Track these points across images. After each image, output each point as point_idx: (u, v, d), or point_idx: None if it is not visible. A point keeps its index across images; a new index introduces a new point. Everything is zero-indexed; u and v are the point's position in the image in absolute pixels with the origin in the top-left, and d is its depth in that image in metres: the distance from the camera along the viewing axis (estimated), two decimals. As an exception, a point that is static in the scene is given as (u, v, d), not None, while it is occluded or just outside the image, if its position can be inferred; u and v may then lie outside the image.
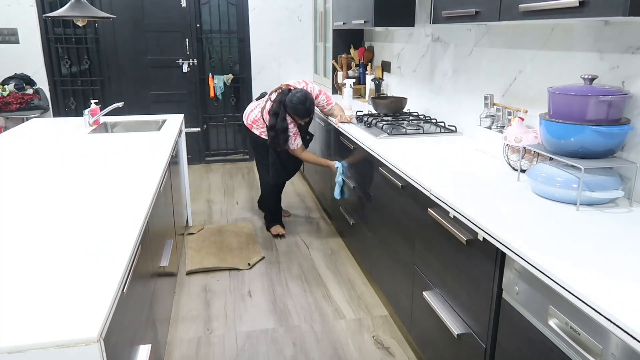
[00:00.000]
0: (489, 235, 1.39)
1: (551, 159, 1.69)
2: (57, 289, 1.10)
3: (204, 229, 3.55)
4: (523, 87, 2.15)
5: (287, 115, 3.09)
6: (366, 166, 2.61)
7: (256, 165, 3.55)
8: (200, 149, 5.37)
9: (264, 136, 3.25)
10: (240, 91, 5.35)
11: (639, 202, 1.59)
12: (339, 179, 3.05)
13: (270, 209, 3.54)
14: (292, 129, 3.15)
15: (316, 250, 3.25)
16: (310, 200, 4.23)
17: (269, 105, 3.18)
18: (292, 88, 3.14)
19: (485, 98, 2.33)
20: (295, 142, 3.19)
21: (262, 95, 3.37)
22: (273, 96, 3.19)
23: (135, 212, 1.58)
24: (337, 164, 3.08)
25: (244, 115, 3.41)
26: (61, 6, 3.37)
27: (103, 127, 3.22)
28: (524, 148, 1.83)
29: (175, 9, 4.92)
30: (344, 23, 3.63)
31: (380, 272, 2.51)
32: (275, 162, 3.30)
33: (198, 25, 5.02)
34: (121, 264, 1.23)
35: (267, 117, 3.17)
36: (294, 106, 3.04)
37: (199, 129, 5.29)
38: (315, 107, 3.22)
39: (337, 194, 3.08)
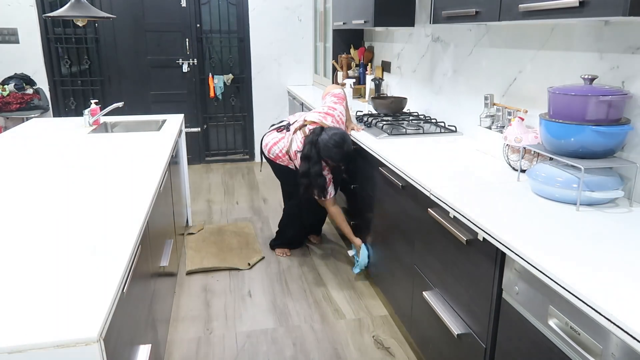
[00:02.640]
0: (489, 235, 1.39)
1: (551, 159, 1.69)
2: (57, 289, 1.10)
3: (204, 229, 3.55)
4: (523, 87, 2.15)
5: (320, 159, 2.66)
6: (366, 166, 2.61)
7: (281, 186, 3.24)
8: (200, 149, 5.37)
9: (292, 166, 2.85)
10: (240, 91, 5.35)
11: (639, 202, 1.59)
12: (363, 261, 2.72)
13: (282, 228, 3.17)
14: (327, 174, 2.72)
15: (316, 250, 3.25)
16: (310, 200, 4.23)
17: (295, 145, 2.73)
18: (320, 125, 2.70)
19: (485, 98, 2.33)
20: (328, 190, 2.76)
21: (281, 126, 2.91)
22: (298, 135, 2.74)
23: (135, 212, 1.57)
24: (363, 248, 2.72)
25: (262, 142, 2.95)
26: (61, 6, 3.37)
27: (103, 127, 3.22)
28: (524, 148, 1.83)
29: (175, 9, 4.92)
30: (344, 23, 3.63)
31: (380, 272, 2.51)
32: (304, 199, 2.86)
33: (198, 25, 5.01)
34: (121, 264, 1.23)
35: (294, 157, 2.76)
36: (329, 150, 2.59)
37: (199, 129, 5.29)
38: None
39: (356, 270, 2.83)
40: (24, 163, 2.19)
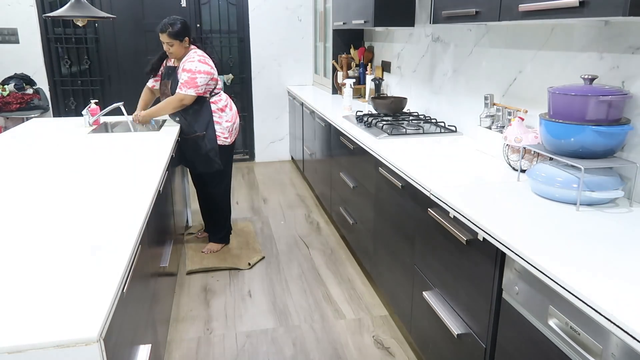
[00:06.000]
0: (489, 235, 1.39)
1: (551, 159, 1.69)
2: (57, 289, 1.10)
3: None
4: (523, 87, 2.15)
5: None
6: (366, 166, 2.61)
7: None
8: (200, 149, 5.35)
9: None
10: (241, 91, 5.35)
11: (639, 202, 1.59)
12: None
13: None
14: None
15: (316, 250, 3.25)
16: (310, 200, 4.23)
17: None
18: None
19: (485, 98, 2.33)
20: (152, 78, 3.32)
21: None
22: None
23: (135, 212, 1.57)
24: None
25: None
26: (61, 6, 3.37)
27: (103, 127, 3.22)
28: (524, 148, 1.83)
29: (175, 9, 4.92)
30: (344, 23, 3.63)
31: (380, 272, 2.51)
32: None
33: (198, 25, 5.01)
34: (121, 264, 1.23)
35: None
36: (165, 23, 3.08)
37: (199, 129, 5.28)
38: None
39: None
40: (24, 163, 2.19)
